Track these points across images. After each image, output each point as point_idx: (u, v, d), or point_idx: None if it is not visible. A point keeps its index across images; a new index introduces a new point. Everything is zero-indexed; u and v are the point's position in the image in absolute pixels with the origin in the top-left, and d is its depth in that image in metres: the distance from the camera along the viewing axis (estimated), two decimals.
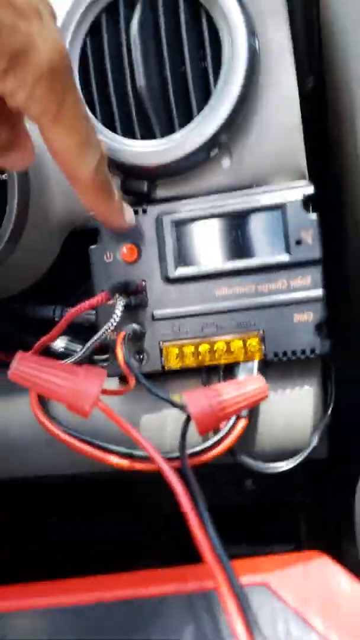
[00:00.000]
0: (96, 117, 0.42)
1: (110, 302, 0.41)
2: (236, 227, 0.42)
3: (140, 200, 0.43)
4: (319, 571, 0.25)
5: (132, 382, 0.39)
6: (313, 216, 0.40)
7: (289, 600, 0.24)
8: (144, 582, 0.26)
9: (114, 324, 0.40)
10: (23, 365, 0.32)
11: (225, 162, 0.42)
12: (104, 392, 0.34)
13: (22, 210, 0.41)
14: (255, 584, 0.25)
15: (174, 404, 0.37)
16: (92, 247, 0.44)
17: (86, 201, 0.35)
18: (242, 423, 0.41)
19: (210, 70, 0.41)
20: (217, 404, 0.34)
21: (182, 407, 0.35)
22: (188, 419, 0.35)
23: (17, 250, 0.42)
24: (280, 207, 0.41)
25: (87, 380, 0.33)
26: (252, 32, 0.40)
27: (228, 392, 0.34)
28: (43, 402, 0.44)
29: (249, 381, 0.35)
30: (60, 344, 0.48)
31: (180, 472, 0.33)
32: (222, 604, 0.23)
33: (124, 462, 0.41)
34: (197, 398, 0.34)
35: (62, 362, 0.37)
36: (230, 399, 0.34)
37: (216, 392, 0.34)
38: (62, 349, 0.48)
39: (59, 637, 0.26)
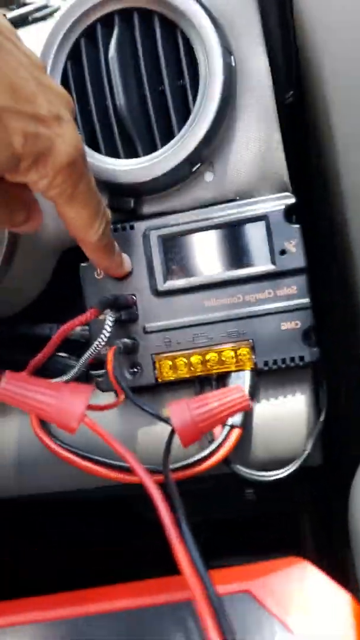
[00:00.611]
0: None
1: (102, 317, 0.42)
2: (222, 239, 0.42)
3: (127, 216, 0.44)
4: (300, 577, 0.26)
5: (122, 396, 0.39)
6: (296, 226, 0.41)
7: (271, 607, 0.24)
8: (130, 594, 0.27)
9: (104, 339, 0.41)
10: (10, 385, 0.33)
11: (208, 176, 0.43)
12: (90, 407, 0.35)
13: (13, 234, 0.42)
14: (237, 591, 0.25)
15: (159, 418, 0.37)
16: (83, 264, 0.45)
17: (92, 258, 0.40)
18: (237, 432, 0.42)
19: (188, 88, 0.41)
20: (198, 415, 0.34)
21: (166, 421, 0.35)
22: (172, 432, 0.35)
23: (10, 273, 0.43)
24: (263, 219, 0.41)
25: (73, 397, 0.33)
26: (227, 50, 0.41)
27: (209, 403, 0.34)
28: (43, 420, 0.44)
29: (229, 391, 0.35)
30: (57, 360, 0.49)
31: (165, 485, 0.34)
32: (198, 615, 0.23)
33: (121, 476, 0.41)
34: (180, 410, 0.34)
35: (49, 380, 0.38)
36: (211, 409, 0.34)
37: (198, 403, 0.34)
38: (59, 366, 0.48)
39: None
